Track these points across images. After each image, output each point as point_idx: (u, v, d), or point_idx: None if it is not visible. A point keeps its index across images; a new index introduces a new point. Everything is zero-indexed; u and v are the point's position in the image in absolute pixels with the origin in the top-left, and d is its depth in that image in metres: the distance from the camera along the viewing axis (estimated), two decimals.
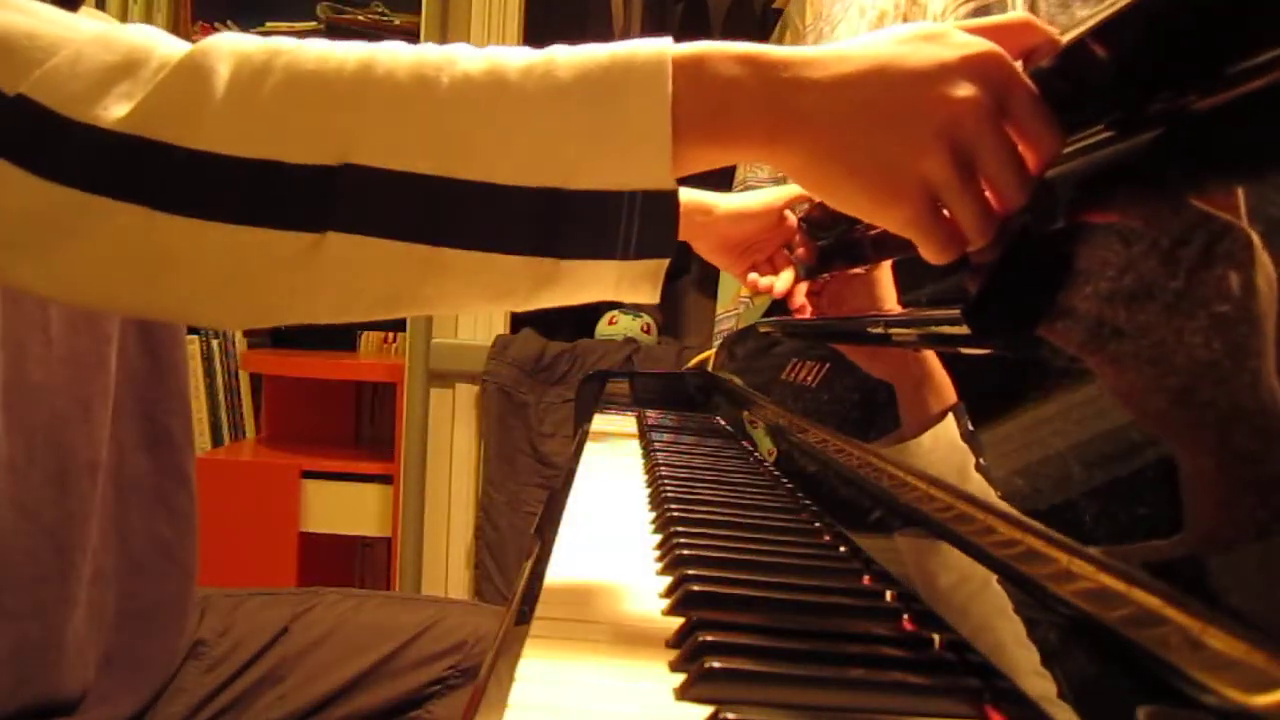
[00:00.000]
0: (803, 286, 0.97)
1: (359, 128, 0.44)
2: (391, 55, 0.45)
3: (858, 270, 0.76)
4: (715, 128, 0.47)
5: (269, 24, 2.61)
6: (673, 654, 0.40)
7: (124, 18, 2.56)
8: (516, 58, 0.46)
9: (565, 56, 0.46)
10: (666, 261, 0.48)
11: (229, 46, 0.45)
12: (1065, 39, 0.47)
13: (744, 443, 1.02)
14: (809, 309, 0.95)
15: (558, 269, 0.46)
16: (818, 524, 0.64)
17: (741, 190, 2.17)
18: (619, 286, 0.48)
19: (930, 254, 0.50)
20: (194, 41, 0.45)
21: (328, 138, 0.44)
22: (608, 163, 0.45)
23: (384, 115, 0.44)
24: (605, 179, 0.45)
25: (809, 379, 0.85)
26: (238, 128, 0.43)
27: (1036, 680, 0.34)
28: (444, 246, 0.45)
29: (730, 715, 0.33)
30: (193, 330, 2.61)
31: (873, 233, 0.86)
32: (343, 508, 2.21)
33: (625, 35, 2.53)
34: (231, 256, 0.44)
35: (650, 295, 0.49)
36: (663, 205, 0.46)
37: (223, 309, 0.49)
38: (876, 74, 0.47)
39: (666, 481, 0.74)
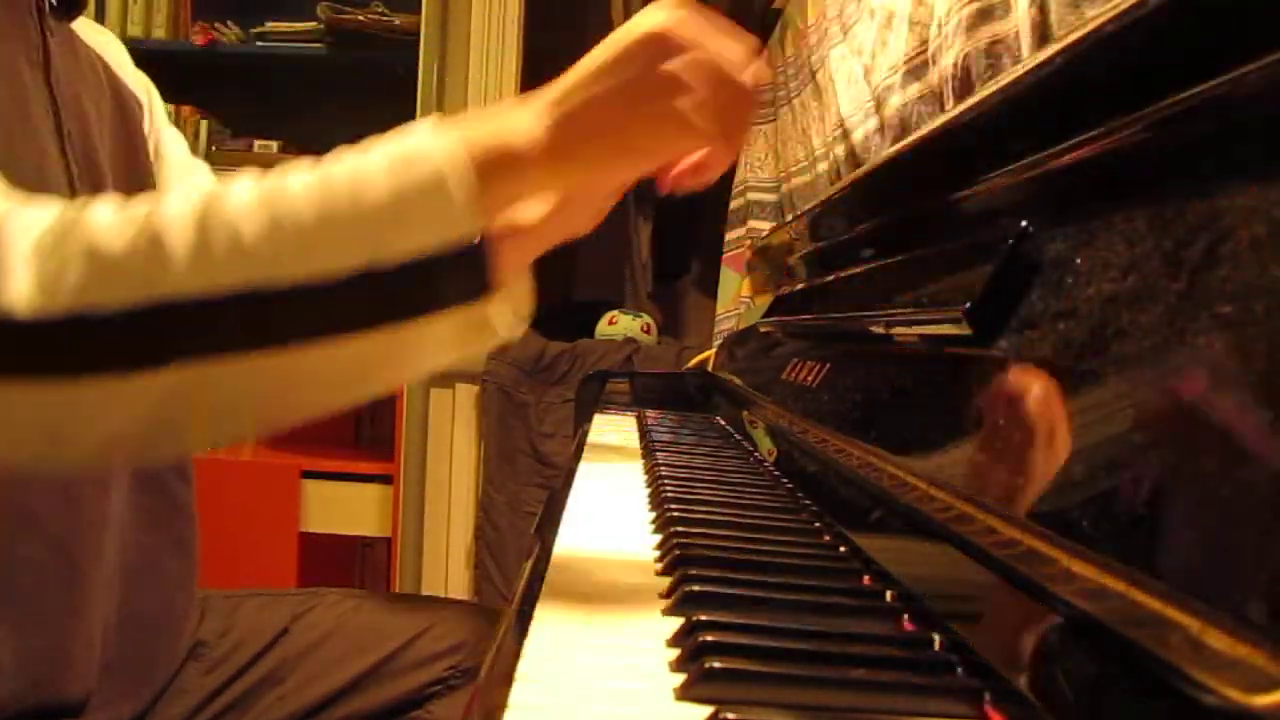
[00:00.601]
0: None
1: (165, 268, 0.46)
2: (177, 216, 0.48)
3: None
4: (510, 162, 0.51)
5: (269, 24, 2.61)
6: (673, 654, 0.40)
7: (124, 17, 2.56)
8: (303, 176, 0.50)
9: (349, 163, 0.50)
10: (494, 301, 0.51)
11: (27, 234, 0.47)
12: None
13: (744, 443, 1.02)
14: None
15: (398, 337, 0.49)
16: (818, 524, 0.64)
17: (740, 190, 2.17)
18: (464, 337, 0.51)
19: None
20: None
21: (135, 283, 0.46)
22: (416, 228, 0.48)
23: (189, 252, 0.47)
24: (418, 243, 0.48)
25: (809, 379, 0.85)
26: (45, 294, 0.46)
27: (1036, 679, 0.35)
28: (285, 349, 0.47)
29: (730, 715, 0.33)
30: None
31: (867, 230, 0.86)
32: (343, 508, 2.22)
33: None
34: (94, 410, 0.47)
35: (491, 335, 0.52)
36: (477, 252, 0.50)
37: (115, 457, 0.51)
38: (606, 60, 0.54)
39: (666, 481, 0.74)
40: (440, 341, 0.51)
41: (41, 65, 0.68)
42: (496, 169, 0.50)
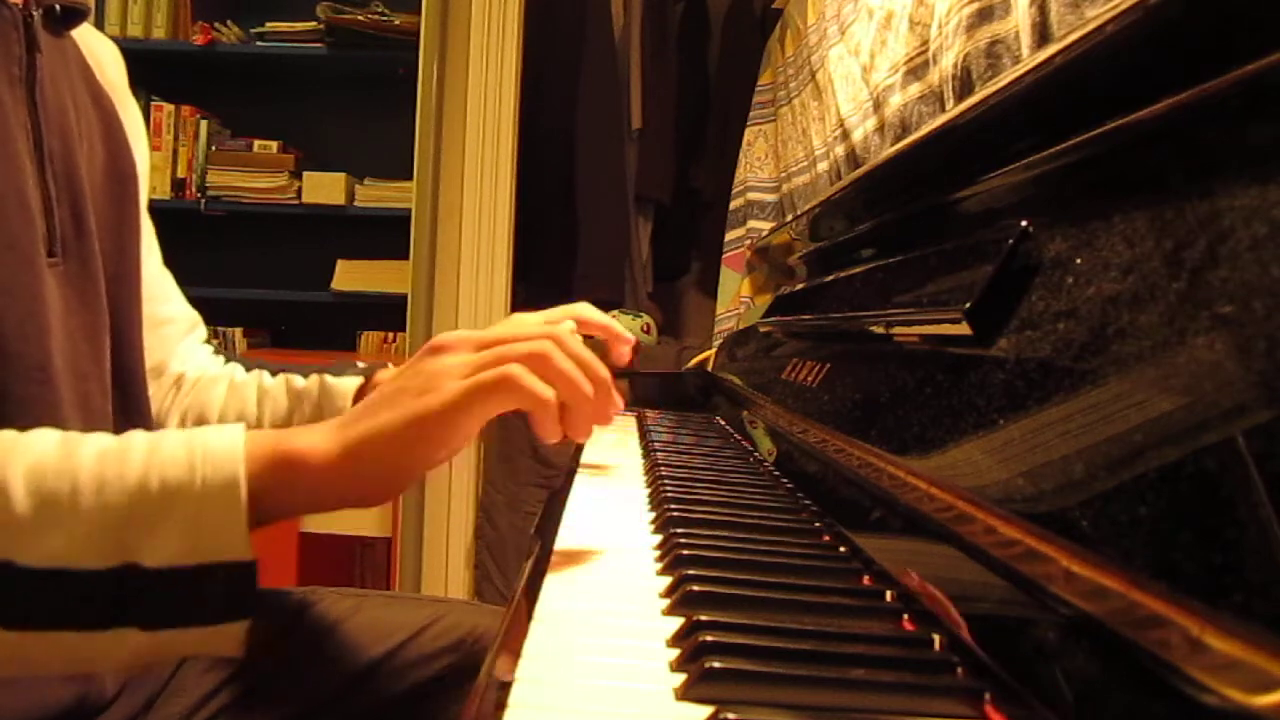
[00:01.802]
0: None
1: None
2: None
3: None
4: (293, 485, 0.54)
5: (269, 24, 2.61)
6: (673, 654, 0.40)
7: (124, 17, 2.56)
8: (91, 464, 0.51)
9: (143, 452, 0.52)
10: (248, 620, 0.52)
11: None
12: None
13: (744, 443, 1.02)
14: None
15: (154, 638, 0.50)
16: (818, 524, 0.64)
17: (740, 190, 2.17)
18: (209, 643, 0.52)
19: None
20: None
21: None
22: (183, 539, 0.50)
23: None
24: (182, 555, 0.50)
25: (809, 379, 0.85)
26: None
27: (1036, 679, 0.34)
28: (21, 630, 0.49)
29: (731, 715, 0.33)
30: None
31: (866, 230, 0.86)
32: None
33: (625, 35, 2.53)
34: None
35: (235, 649, 0.53)
36: (243, 573, 0.51)
37: None
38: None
39: (666, 481, 0.74)
40: (186, 643, 0.52)
41: (23, 80, 0.67)
42: (282, 476, 0.53)
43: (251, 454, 0.53)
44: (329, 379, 0.87)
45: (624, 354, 0.81)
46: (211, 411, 0.87)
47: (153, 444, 0.53)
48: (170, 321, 0.89)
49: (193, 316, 0.93)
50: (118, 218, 0.75)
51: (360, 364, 0.91)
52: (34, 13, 0.69)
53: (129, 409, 0.76)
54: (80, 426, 0.67)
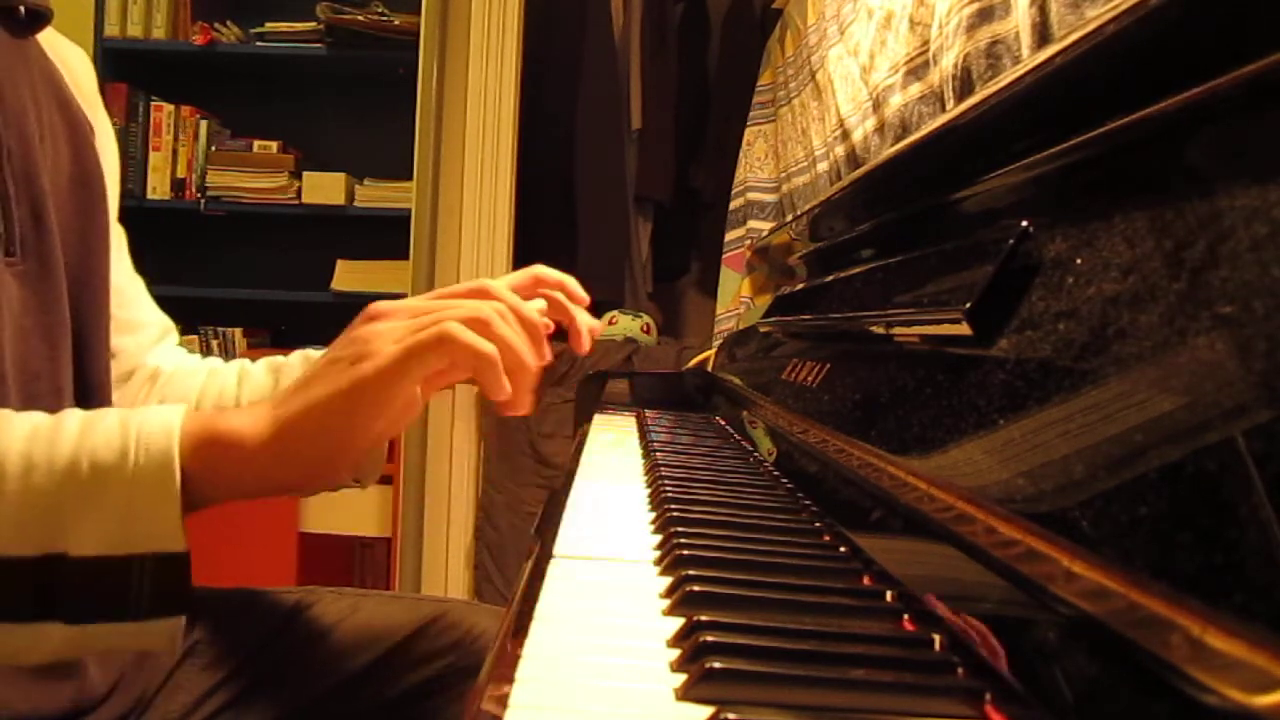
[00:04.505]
0: None
1: None
2: None
3: None
4: (230, 449, 0.52)
5: (269, 24, 2.61)
6: (673, 654, 0.40)
7: (124, 17, 2.56)
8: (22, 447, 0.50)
9: (74, 432, 0.50)
10: (181, 617, 0.51)
11: None
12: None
13: (744, 442, 1.02)
14: None
15: (79, 633, 0.49)
16: (818, 524, 0.64)
17: (740, 190, 2.17)
18: (139, 639, 0.51)
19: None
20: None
21: None
22: (112, 526, 0.48)
23: None
24: (111, 544, 0.48)
25: (809, 379, 0.85)
26: None
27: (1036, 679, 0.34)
28: None
29: (731, 715, 0.33)
30: (191, 330, 2.62)
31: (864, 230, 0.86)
32: (342, 508, 2.22)
33: (625, 35, 2.53)
34: None
35: (170, 645, 0.52)
36: (175, 565, 0.49)
37: None
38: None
39: (666, 481, 0.74)
40: (120, 636, 0.50)
41: None
42: (216, 456, 0.51)
43: (186, 432, 0.51)
44: (311, 351, 0.86)
45: (584, 344, 0.78)
46: (190, 399, 0.86)
47: (87, 423, 0.51)
48: (143, 326, 0.88)
49: (165, 323, 0.92)
50: (82, 221, 0.74)
51: None
52: None
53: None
54: None
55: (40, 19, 0.74)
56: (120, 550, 0.48)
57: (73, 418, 0.52)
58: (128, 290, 0.87)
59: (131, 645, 0.51)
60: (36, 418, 0.52)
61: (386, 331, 0.55)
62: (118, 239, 0.85)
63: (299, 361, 0.85)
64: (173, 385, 0.87)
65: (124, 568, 0.48)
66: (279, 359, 0.87)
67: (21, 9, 0.72)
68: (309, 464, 0.54)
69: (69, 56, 0.80)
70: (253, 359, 0.92)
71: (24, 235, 0.68)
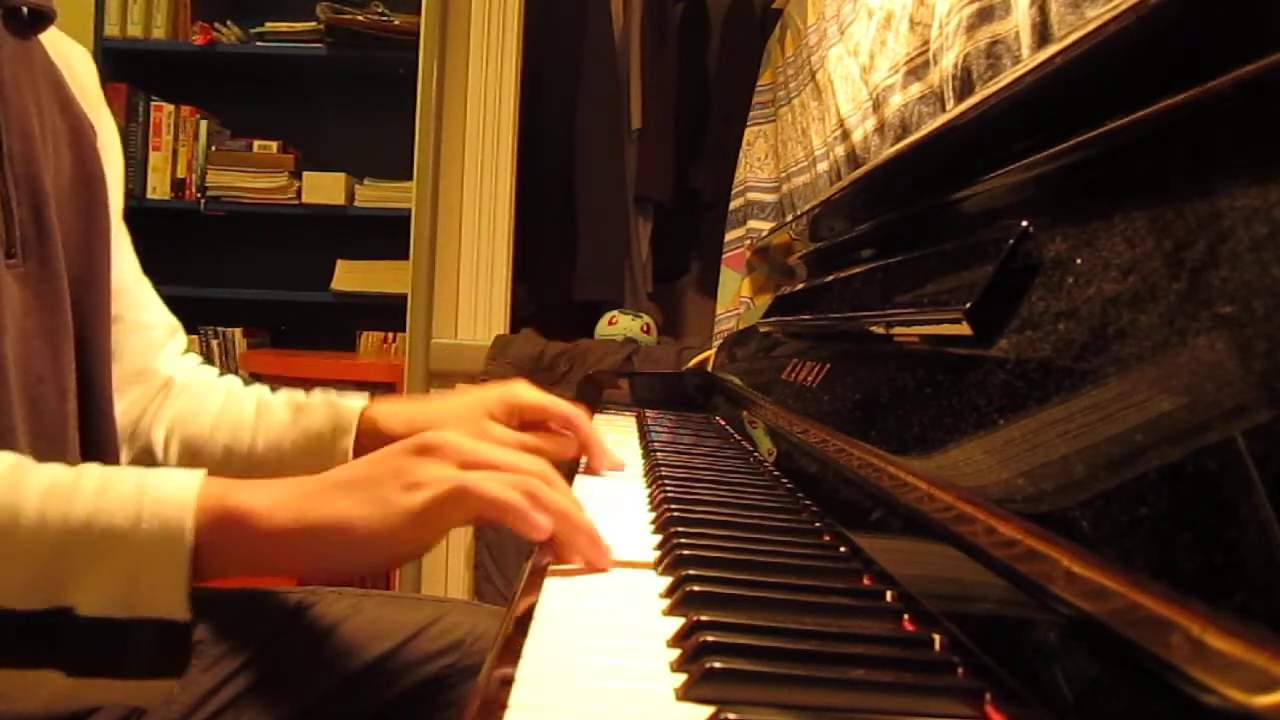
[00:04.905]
0: None
1: None
2: None
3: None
4: (242, 526, 0.53)
5: (269, 24, 2.61)
6: (673, 654, 0.40)
7: (124, 17, 2.56)
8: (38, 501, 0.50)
9: (90, 492, 0.51)
10: (177, 679, 0.52)
11: None
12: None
13: (744, 442, 1.02)
14: None
15: (77, 685, 0.50)
16: (818, 524, 0.64)
17: (740, 190, 2.17)
18: (132, 696, 0.53)
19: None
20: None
21: None
22: (119, 589, 0.49)
23: None
24: (116, 605, 0.49)
25: (809, 379, 0.85)
26: None
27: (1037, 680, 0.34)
28: None
29: (731, 715, 0.33)
30: (191, 330, 2.62)
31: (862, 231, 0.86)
32: None
33: (625, 36, 2.53)
34: None
35: (162, 702, 0.55)
36: (176, 633, 0.50)
37: None
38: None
39: (666, 481, 0.74)
40: (113, 692, 0.51)
41: None
42: (228, 534, 0.52)
43: (202, 506, 0.51)
44: (333, 394, 0.86)
45: (613, 461, 0.84)
46: (205, 420, 0.86)
47: (103, 483, 0.52)
48: (152, 326, 0.88)
49: (172, 322, 0.92)
50: (84, 223, 0.74)
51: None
52: None
53: (92, 412, 0.75)
54: (30, 427, 0.67)
55: (43, 19, 0.74)
56: (124, 613, 0.49)
57: (90, 476, 0.53)
58: (135, 290, 0.87)
59: (124, 700, 0.53)
60: (56, 471, 0.53)
61: (439, 475, 0.55)
62: (123, 239, 0.85)
63: (320, 404, 0.85)
64: (187, 402, 0.87)
65: (127, 629, 0.49)
66: (300, 397, 0.87)
67: (25, 9, 0.72)
68: (315, 565, 0.56)
69: (71, 56, 0.80)
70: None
71: (25, 237, 0.68)
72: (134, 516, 0.50)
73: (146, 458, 0.84)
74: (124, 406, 0.83)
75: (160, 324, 0.90)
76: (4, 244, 0.66)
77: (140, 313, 0.87)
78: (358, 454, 0.76)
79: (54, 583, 0.49)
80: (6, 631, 0.49)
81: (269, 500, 0.54)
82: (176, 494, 0.51)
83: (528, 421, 0.86)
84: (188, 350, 0.94)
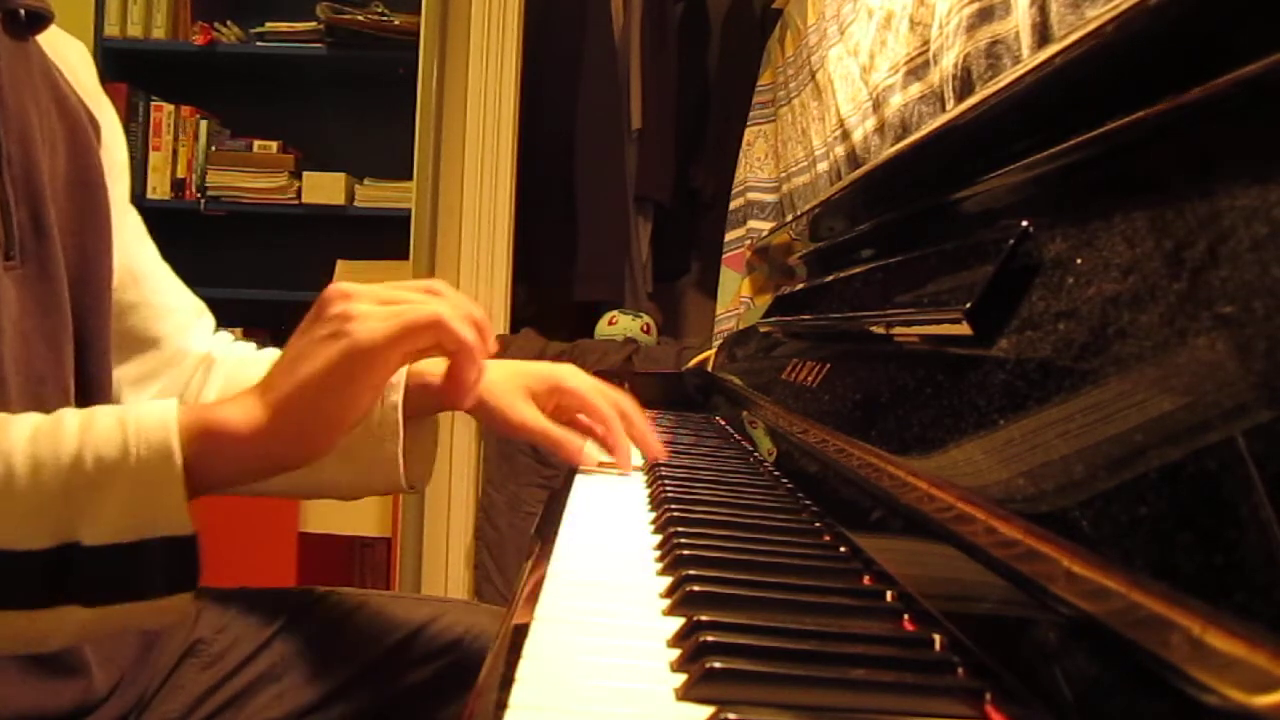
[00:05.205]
0: None
1: None
2: None
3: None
4: (226, 440, 0.54)
5: (269, 24, 2.61)
6: (673, 654, 0.40)
7: (124, 17, 2.56)
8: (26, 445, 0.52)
9: (74, 430, 0.53)
10: (192, 592, 0.54)
11: None
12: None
13: (744, 442, 1.02)
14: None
15: (99, 614, 0.52)
16: (818, 524, 0.64)
17: (740, 190, 2.17)
18: (154, 616, 0.54)
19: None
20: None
21: None
22: (121, 516, 0.51)
23: None
24: (121, 531, 0.51)
25: (809, 379, 0.85)
26: None
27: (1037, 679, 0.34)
28: None
29: (731, 715, 0.33)
30: None
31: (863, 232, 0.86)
32: (342, 508, 2.21)
33: (625, 35, 2.53)
34: None
35: (183, 619, 0.56)
36: (184, 546, 0.52)
37: None
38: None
39: (666, 481, 0.74)
40: (134, 615, 0.53)
41: None
42: (213, 447, 0.53)
43: (183, 425, 0.53)
44: None
45: (659, 451, 0.86)
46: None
47: (85, 421, 0.53)
48: (177, 310, 0.89)
49: (198, 305, 0.93)
50: (82, 224, 0.74)
51: None
52: None
53: None
54: None
55: (41, 21, 0.73)
56: (131, 537, 0.51)
57: (71, 417, 0.54)
58: (156, 274, 0.88)
59: (148, 623, 0.54)
60: (34, 418, 0.54)
61: (368, 311, 0.57)
62: (136, 225, 0.86)
63: None
64: (235, 369, 0.88)
65: (136, 552, 0.51)
66: None
67: (22, 11, 0.71)
68: (304, 440, 0.57)
69: (68, 52, 0.80)
70: None
71: (23, 239, 0.68)
72: (121, 446, 0.52)
73: None
74: (155, 392, 0.84)
75: (186, 307, 0.91)
76: (3, 247, 0.66)
77: (166, 296, 0.88)
78: (407, 410, 0.76)
79: (59, 519, 0.50)
80: (19, 575, 0.50)
81: (240, 405, 0.56)
82: (157, 418, 0.53)
83: (562, 406, 0.86)
84: (217, 330, 0.95)
